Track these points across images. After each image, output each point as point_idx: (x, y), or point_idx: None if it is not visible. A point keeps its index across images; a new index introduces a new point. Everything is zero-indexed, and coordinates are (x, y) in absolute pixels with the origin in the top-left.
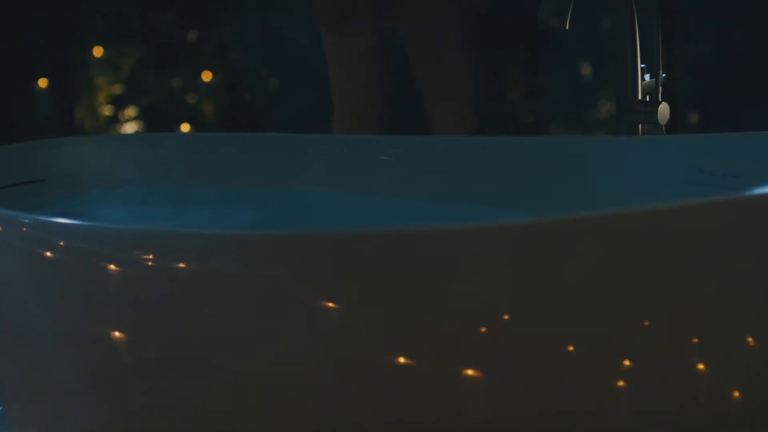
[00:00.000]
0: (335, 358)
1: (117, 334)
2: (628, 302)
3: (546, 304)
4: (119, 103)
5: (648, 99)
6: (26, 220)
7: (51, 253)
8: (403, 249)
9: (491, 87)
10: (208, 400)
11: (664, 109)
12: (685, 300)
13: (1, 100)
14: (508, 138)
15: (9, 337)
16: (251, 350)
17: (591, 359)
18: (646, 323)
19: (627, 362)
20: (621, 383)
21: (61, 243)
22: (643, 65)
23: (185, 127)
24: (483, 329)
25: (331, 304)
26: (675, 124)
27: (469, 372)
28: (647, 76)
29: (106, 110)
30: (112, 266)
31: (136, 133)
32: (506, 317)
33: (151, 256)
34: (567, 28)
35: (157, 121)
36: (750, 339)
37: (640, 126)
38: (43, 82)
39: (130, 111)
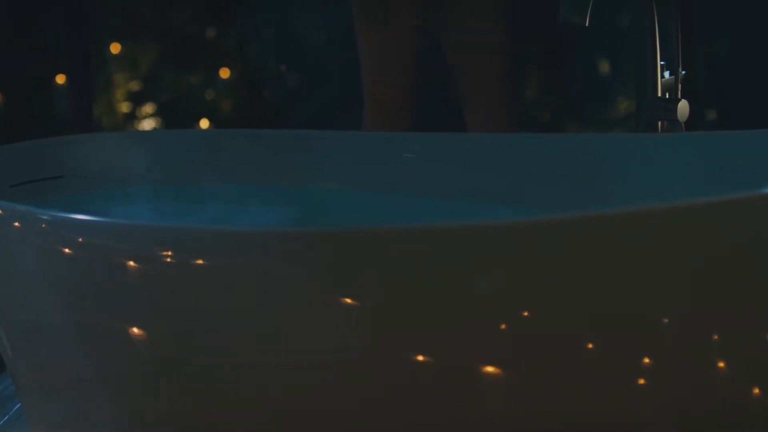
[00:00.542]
0: (356, 355)
1: (135, 331)
2: (646, 300)
3: (564, 301)
4: (137, 99)
5: (668, 96)
6: (45, 217)
7: (69, 249)
8: (421, 246)
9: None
10: (227, 398)
11: (683, 106)
12: (703, 297)
13: (20, 96)
14: (527, 135)
15: (26, 334)
16: (271, 348)
17: (609, 357)
18: (665, 320)
19: (646, 360)
20: (641, 381)
21: (80, 239)
22: (662, 62)
23: (204, 123)
24: (503, 326)
25: (351, 301)
26: (694, 122)
27: (490, 369)
28: (667, 74)
29: (124, 107)
30: (131, 263)
31: (155, 129)
32: (525, 314)
33: (169, 253)
34: (587, 25)
35: (175, 118)
36: None
37: (659, 123)
38: (61, 79)
39: (148, 108)
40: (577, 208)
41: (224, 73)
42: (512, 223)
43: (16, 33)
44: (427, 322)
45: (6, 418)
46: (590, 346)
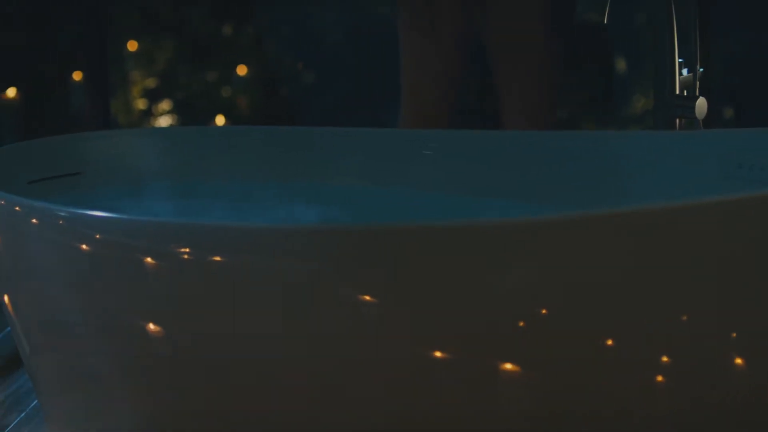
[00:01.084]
0: (373, 352)
1: (152, 327)
2: (664, 298)
3: (580, 299)
4: (153, 96)
5: (686, 93)
6: (62, 213)
7: (86, 246)
8: (440, 243)
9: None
10: (243, 394)
11: (701, 103)
12: (722, 294)
13: (37, 93)
14: (544, 133)
15: (43, 330)
16: (288, 344)
17: (628, 355)
18: (684, 318)
19: (665, 358)
20: (659, 378)
21: (97, 236)
22: (680, 60)
23: (220, 120)
24: (521, 323)
25: (368, 298)
26: (710, 119)
27: (507, 367)
28: (685, 71)
29: (140, 104)
30: (148, 259)
31: (174, 126)
32: (543, 312)
33: (186, 250)
34: (606, 22)
35: (192, 115)
36: None
37: (677, 120)
38: (77, 76)
39: (164, 105)
40: (595, 206)
41: (241, 70)
42: (529, 220)
43: (33, 30)
44: (442, 319)
45: (23, 414)
46: (609, 343)
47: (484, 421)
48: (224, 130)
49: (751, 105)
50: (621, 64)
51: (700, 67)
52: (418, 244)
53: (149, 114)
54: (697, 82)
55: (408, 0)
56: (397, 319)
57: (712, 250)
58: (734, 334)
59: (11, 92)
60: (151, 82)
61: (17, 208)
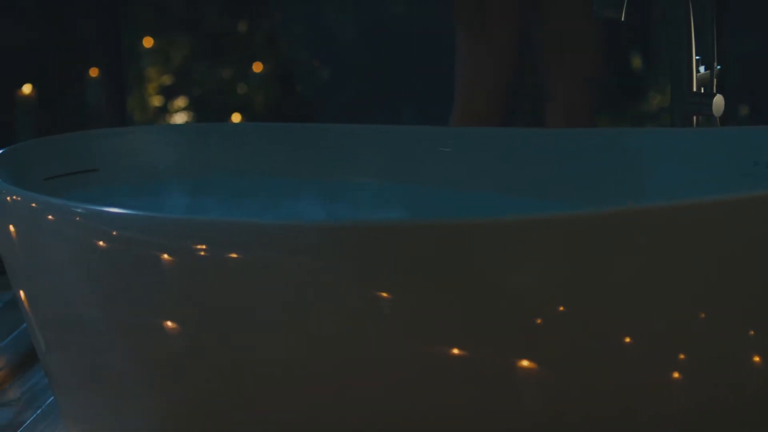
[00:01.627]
0: (389, 348)
1: (168, 324)
2: (681, 296)
3: (600, 296)
4: (169, 93)
5: (703, 91)
6: (79, 210)
7: (103, 242)
8: (457, 240)
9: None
10: (259, 392)
11: (718, 100)
12: (741, 292)
13: (53, 90)
14: (561, 130)
15: (60, 327)
16: (304, 342)
17: (646, 353)
18: (702, 315)
19: (682, 356)
20: (674, 375)
21: (114, 233)
22: (697, 57)
23: (237, 117)
24: (538, 321)
25: (385, 295)
26: (726, 116)
27: (524, 364)
28: (702, 68)
29: (156, 101)
30: (165, 256)
31: (190, 123)
32: (561, 309)
33: (203, 247)
34: (623, 19)
35: (207, 111)
36: None
37: (694, 118)
38: (94, 72)
39: (180, 101)
40: (611, 204)
41: (257, 67)
42: (546, 217)
43: (48, 26)
44: (459, 317)
45: (39, 411)
46: (627, 340)
47: (504, 420)
48: (239, 127)
49: (767, 102)
50: (636, 62)
51: (718, 65)
52: (435, 241)
53: (165, 111)
54: (715, 80)
55: (462, 4)
56: (414, 317)
57: (727, 248)
58: (752, 332)
59: (27, 89)
60: (166, 79)
61: (33, 205)
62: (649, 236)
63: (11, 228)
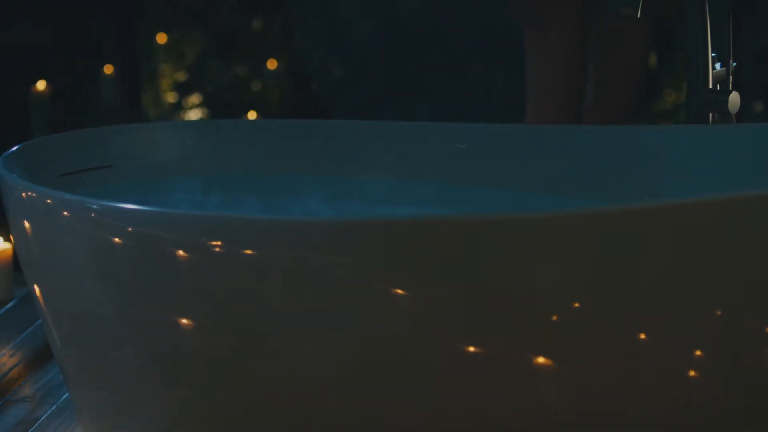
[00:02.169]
0: (408, 345)
1: (183, 320)
2: (700, 293)
3: (619, 293)
4: (183, 90)
5: (719, 88)
6: (94, 206)
7: (118, 239)
8: (475, 237)
9: None
10: (275, 387)
11: (735, 97)
12: (760, 290)
13: (68, 87)
14: (577, 127)
15: (75, 323)
16: (319, 337)
17: (665, 350)
18: (719, 312)
19: (699, 353)
20: (692, 374)
21: (129, 229)
22: (713, 54)
23: (251, 114)
24: (554, 317)
25: (401, 292)
26: (742, 113)
27: (542, 361)
28: (718, 65)
29: (170, 97)
30: (180, 252)
31: (204, 119)
32: (577, 305)
33: (218, 243)
34: (638, 16)
35: (221, 108)
36: None
37: (710, 115)
38: (108, 69)
39: (194, 98)
40: (627, 201)
41: (271, 64)
42: (561, 214)
43: (63, 23)
44: (475, 313)
45: (53, 407)
46: (642, 337)
47: (520, 417)
48: (253, 124)
49: None
50: (652, 59)
51: (733, 62)
52: (453, 237)
53: (179, 107)
54: (731, 77)
55: (529, 5)
56: (431, 313)
57: (742, 245)
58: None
59: (41, 85)
60: (180, 76)
61: (49, 201)
62: (665, 233)
63: (26, 224)
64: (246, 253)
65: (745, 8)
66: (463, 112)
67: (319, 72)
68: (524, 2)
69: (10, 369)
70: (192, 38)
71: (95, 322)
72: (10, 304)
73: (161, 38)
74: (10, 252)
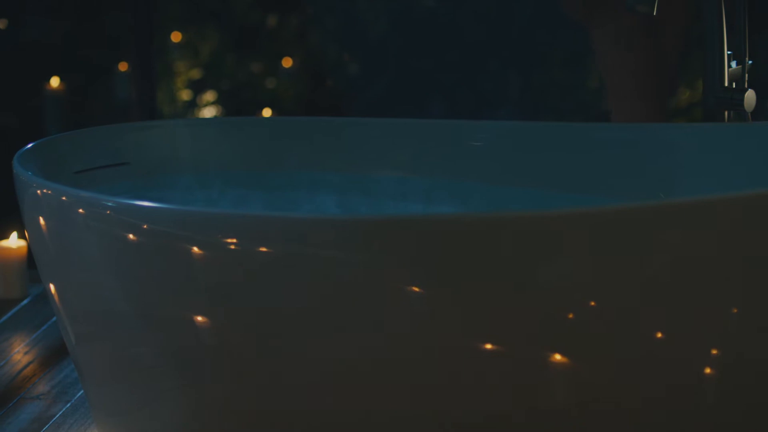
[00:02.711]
0: (424, 343)
1: (198, 317)
2: (715, 291)
3: (631, 290)
4: (198, 87)
5: (734, 86)
6: (109, 203)
7: (134, 236)
8: (490, 234)
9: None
10: (290, 385)
11: (750, 96)
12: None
13: (82, 84)
14: (592, 124)
15: (90, 320)
16: (333, 334)
17: (678, 348)
18: (735, 310)
19: (714, 351)
20: (707, 371)
21: (144, 226)
22: (729, 52)
23: (267, 112)
24: (570, 315)
25: (417, 289)
26: (758, 112)
27: (557, 358)
28: (733, 63)
29: (185, 95)
30: (195, 249)
31: (219, 117)
32: (592, 303)
33: (234, 240)
34: (654, 13)
35: (236, 106)
36: None
37: (726, 113)
38: (123, 66)
39: (209, 95)
40: (642, 198)
41: (286, 61)
42: (575, 211)
43: (78, 19)
44: (488, 311)
45: (68, 405)
46: (659, 335)
47: (535, 415)
48: (270, 122)
49: None
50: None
51: (749, 60)
52: (467, 235)
53: (194, 105)
54: (746, 75)
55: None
56: (446, 311)
57: (757, 243)
58: None
59: (55, 82)
60: (195, 73)
61: (64, 198)
62: (680, 230)
63: (41, 221)
64: (261, 251)
65: (760, 6)
66: (478, 109)
67: (334, 69)
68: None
69: (25, 366)
70: (207, 36)
71: (110, 320)
72: (24, 302)
73: (176, 36)
74: (25, 249)
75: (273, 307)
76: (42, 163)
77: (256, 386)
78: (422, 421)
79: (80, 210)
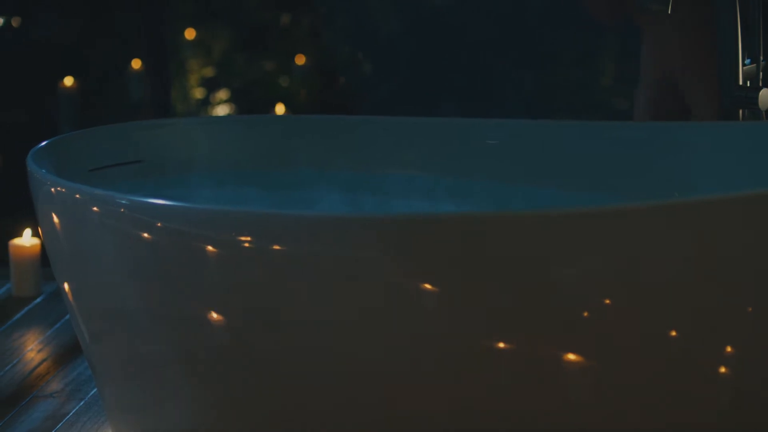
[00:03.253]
0: (436, 342)
1: (213, 316)
2: (731, 291)
3: (645, 289)
4: (211, 85)
5: (749, 84)
6: (124, 201)
7: (148, 234)
8: (502, 233)
9: None
10: (305, 383)
11: (765, 94)
12: None
13: (95, 81)
14: (606, 123)
15: (104, 319)
16: (348, 333)
17: (693, 349)
18: (750, 309)
19: (729, 349)
20: (722, 370)
21: (159, 224)
22: (743, 51)
23: (280, 109)
24: (585, 314)
25: (428, 287)
26: None
27: (571, 358)
28: (748, 62)
29: (198, 93)
30: (209, 248)
31: (233, 115)
32: (607, 302)
33: (248, 238)
34: (669, 12)
35: (249, 104)
36: None
37: (740, 111)
38: (136, 64)
39: (222, 94)
40: (657, 197)
41: (299, 59)
42: (588, 210)
43: (91, 18)
44: (503, 310)
45: (82, 403)
46: (673, 334)
47: (549, 414)
48: (283, 120)
49: None
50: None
51: (764, 58)
52: (481, 234)
53: (207, 103)
54: (761, 73)
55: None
56: (460, 309)
57: None
58: None
59: (68, 81)
60: (208, 71)
61: (78, 196)
62: (695, 229)
63: (55, 219)
64: (274, 249)
65: None
66: (489, 108)
67: (346, 67)
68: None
69: (39, 364)
70: (220, 34)
71: (124, 318)
72: (38, 300)
73: (189, 34)
74: (39, 247)
75: (287, 306)
76: (56, 161)
77: (270, 385)
78: (434, 422)
79: (94, 208)
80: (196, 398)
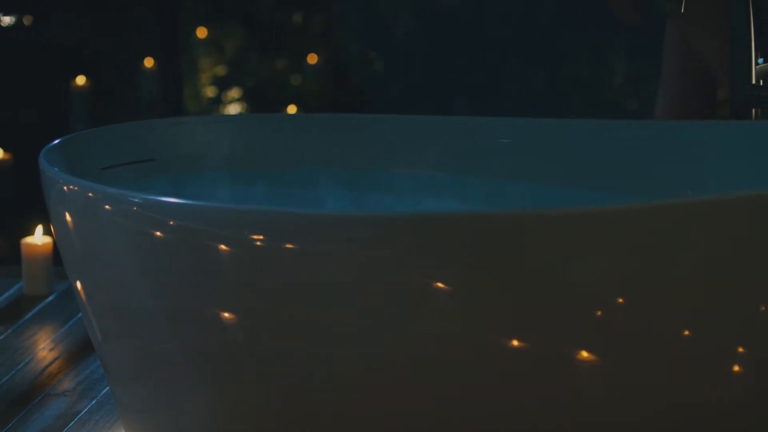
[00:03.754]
0: (449, 341)
1: (225, 314)
2: (743, 289)
3: (655, 289)
4: (223, 84)
5: (762, 83)
6: (136, 200)
7: (160, 232)
8: (516, 232)
9: None
10: (318, 382)
11: None
12: None
13: (107, 80)
14: (618, 122)
15: (116, 317)
16: (361, 332)
17: (704, 347)
18: (762, 308)
19: (741, 348)
20: (735, 368)
21: (171, 222)
22: (756, 50)
23: (292, 109)
24: (599, 313)
25: (441, 286)
26: None
27: (584, 356)
28: (761, 61)
29: (210, 91)
30: (222, 246)
31: (245, 114)
32: (621, 301)
33: (260, 237)
34: (683, 11)
35: (261, 103)
36: None
37: (753, 110)
38: (149, 63)
39: (234, 92)
40: (669, 196)
41: (311, 58)
42: (602, 209)
43: (103, 16)
44: (516, 308)
45: (94, 401)
46: (686, 333)
47: (562, 411)
48: (295, 118)
49: None
50: None
51: None
52: (494, 233)
53: (218, 102)
54: None
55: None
56: (473, 308)
57: None
58: None
59: (80, 80)
60: (220, 70)
61: (90, 194)
62: (708, 228)
63: (68, 217)
64: (287, 247)
65: None
66: (501, 107)
67: (358, 66)
68: None
69: (50, 363)
70: (232, 32)
71: (136, 316)
72: (50, 298)
73: (201, 32)
74: (51, 245)
75: (300, 305)
76: (68, 160)
77: (283, 384)
78: (450, 423)
79: (106, 206)
80: (208, 397)
